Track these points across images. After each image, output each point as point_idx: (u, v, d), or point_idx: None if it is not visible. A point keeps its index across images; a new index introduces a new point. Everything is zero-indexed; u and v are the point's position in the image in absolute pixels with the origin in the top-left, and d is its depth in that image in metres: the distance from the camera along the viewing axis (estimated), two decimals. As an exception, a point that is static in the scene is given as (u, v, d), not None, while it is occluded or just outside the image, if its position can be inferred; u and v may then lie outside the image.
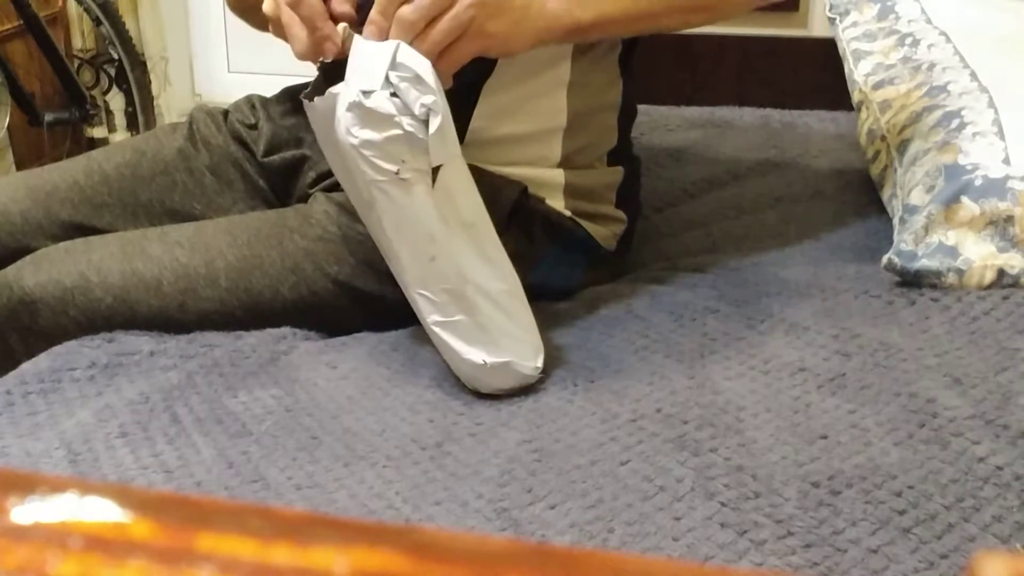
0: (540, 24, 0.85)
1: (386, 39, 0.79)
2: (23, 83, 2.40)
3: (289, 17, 0.82)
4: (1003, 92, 1.11)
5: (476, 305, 0.83)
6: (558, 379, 0.86)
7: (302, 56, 0.83)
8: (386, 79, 0.77)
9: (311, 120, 0.87)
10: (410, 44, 0.78)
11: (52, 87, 2.57)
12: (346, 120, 0.78)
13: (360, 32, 0.81)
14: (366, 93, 0.77)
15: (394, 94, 0.77)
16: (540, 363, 0.86)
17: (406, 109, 0.77)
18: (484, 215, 0.84)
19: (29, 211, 1.08)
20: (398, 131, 0.77)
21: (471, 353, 0.83)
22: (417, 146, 0.77)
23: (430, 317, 0.84)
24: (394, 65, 0.77)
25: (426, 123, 0.77)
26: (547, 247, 1.02)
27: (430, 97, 0.76)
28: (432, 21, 0.79)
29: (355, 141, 0.78)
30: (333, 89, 0.80)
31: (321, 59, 0.82)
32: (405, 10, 0.79)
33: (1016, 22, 1.33)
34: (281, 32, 0.84)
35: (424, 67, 0.77)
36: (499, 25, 0.82)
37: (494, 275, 0.84)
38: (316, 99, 0.82)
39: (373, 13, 0.80)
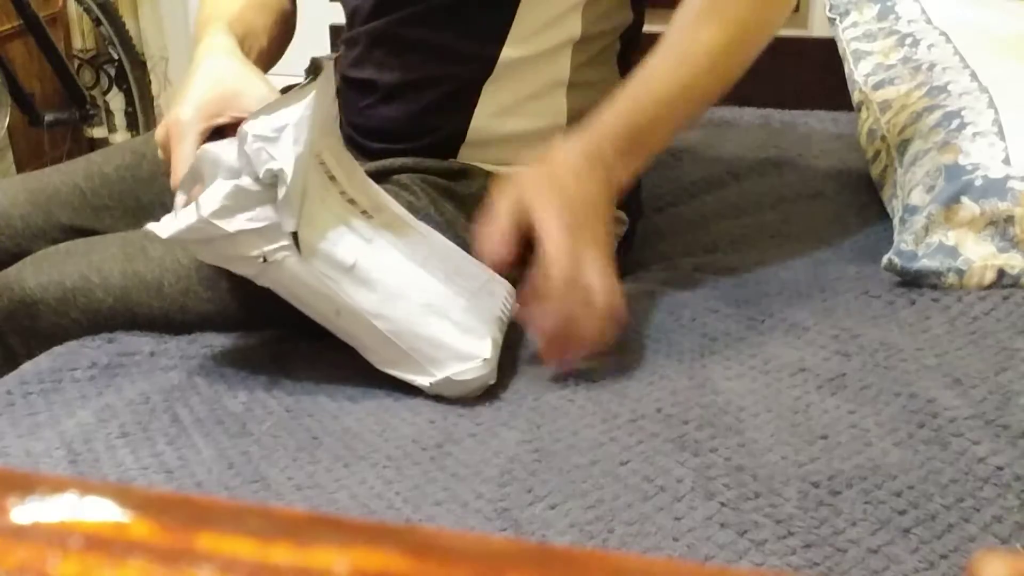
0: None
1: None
2: (23, 83, 2.40)
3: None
4: (1003, 92, 1.11)
5: (396, 335, 0.82)
6: (558, 379, 0.86)
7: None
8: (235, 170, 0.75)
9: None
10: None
11: (52, 87, 2.57)
12: (191, 235, 0.76)
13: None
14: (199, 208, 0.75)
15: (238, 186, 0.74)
16: (487, 354, 0.83)
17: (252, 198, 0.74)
18: (364, 245, 0.81)
19: (30, 215, 1.07)
20: (252, 225, 0.75)
21: (417, 379, 0.83)
22: (271, 231, 0.76)
23: (370, 359, 0.84)
24: (248, 142, 0.73)
25: (273, 187, 0.74)
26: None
27: (276, 163, 0.73)
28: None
29: (216, 251, 0.78)
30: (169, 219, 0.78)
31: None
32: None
33: (1016, 22, 1.33)
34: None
35: (295, 117, 0.74)
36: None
37: (409, 293, 0.82)
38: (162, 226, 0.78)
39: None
